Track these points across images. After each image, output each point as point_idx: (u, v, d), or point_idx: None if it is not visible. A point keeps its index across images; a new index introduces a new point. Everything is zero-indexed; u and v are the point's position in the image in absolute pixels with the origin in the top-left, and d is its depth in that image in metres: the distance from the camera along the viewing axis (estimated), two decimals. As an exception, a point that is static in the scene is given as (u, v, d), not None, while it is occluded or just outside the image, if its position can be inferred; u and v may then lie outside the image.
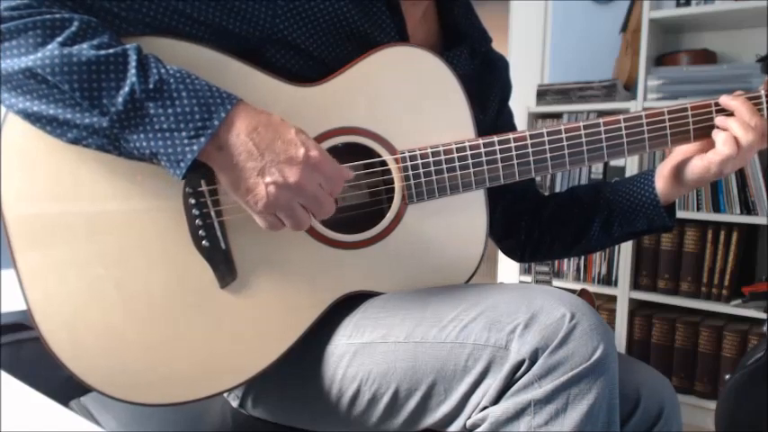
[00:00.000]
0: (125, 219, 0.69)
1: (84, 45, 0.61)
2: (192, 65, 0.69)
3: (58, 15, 0.61)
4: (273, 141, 0.63)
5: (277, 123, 0.64)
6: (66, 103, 0.61)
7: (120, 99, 0.60)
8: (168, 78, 0.62)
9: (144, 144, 0.61)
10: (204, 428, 0.88)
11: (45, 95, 0.61)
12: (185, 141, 0.61)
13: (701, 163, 0.82)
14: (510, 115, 1.03)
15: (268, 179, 0.62)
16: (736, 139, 0.79)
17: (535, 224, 1.01)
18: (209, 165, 0.64)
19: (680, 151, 0.86)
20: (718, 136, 0.80)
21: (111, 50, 0.61)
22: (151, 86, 0.61)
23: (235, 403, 0.86)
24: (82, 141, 0.63)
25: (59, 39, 0.60)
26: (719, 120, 0.81)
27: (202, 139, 0.61)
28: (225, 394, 0.87)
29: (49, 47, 0.60)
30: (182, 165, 0.61)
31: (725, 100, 0.81)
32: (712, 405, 1.77)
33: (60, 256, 0.68)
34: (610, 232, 0.95)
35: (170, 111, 0.61)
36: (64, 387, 0.78)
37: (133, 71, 0.61)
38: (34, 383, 0.71)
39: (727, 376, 1.55)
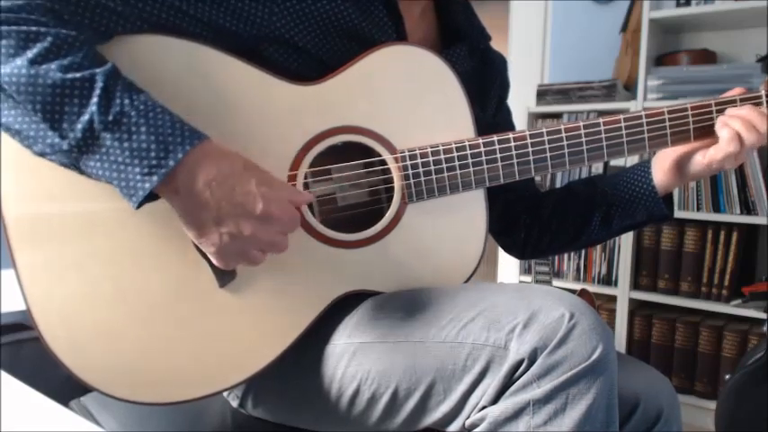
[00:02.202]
0: (124, 218, 0.69)
1: (53, 65, 0.59)
2: (191, 63, 0.69)
3: (33, 28, 0.60)
4: (231, 192, 0.61)
5: (238, 173, 0.62)
6: (31, 119, 0.60)
7: (78, 126, 0.59)
8: (129, 111, 0.60)
9: (99, 172, 0.61)
10: (204, 428, 0.88)
11: (14, 107, 0.61)
12: (137, 177, 0.60)
13: (704, 160, 0.82)
14: (508, 114, 1.03)
15: (223, 229, 0.62)
16: (740, 137, 0.78)
17: (535, 222, 1.01)
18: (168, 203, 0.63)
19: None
20: (722, 131, 0.79)
21: (78, 74, 0.60)
22: (110, 118, 0.60)
23: (235, 403, 0.86)
24: (47, 156, 0.62)
25: (30, 55, 0.59)
26: (724, 118, 0.80)
27: (155, 178, 0.60)
28: (225, 394, 0.87)
29: (18, 63, 0.59)
30: (134, 199, 0.61)
31: (733, 111, 0.81)
32: (712, 405, 1.77)
33: (59, 256, 0.68)
34: (609, 226, 0.94)
35: (125, 145, 0.60)
36: (64, 387, 0.78)
37: (95, 99, 0.59)
38: (34, 383, 0.71)
39: (727, 376, 1.55)
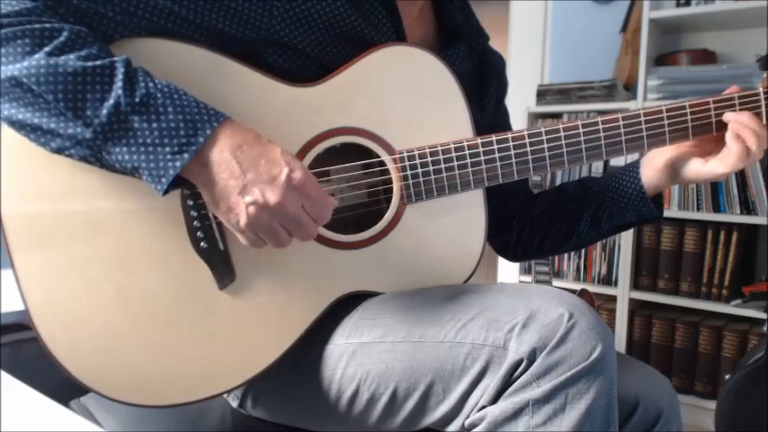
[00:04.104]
0: (123, 220, 0.69)
1: (72, 56, 0.60)
2: (189, 65, 0.69)
3: (47, 25, 0.61)
4: (257, 160, 0.62)
5: (263, 142, 0.63)
6: (50, 112, 0.61)
7: (104, 111, 0.60)
8: (155, 93, 0.61)
9: (126, 158, 0.61)
10: (204, 428, 0.88)
11: (30, 104, 0.61)
12: (168, 157, 0.61)
13: (706, 169, 0.82)
14: (506, 114, 1.03)
15: (248, 198, 0.61)
16: (749, 151, 0.79)
17: (526, 222, 1.01)
18: (191, 181, 0.64)
19: (676, 145, 0.86)
20: (734, 146, 0.79)
21: (98, 62, 0.61)
22: (137, 100, 0.60)
23: (234, 403, 0.86)
24: (65, 151, 0.62)
25: (47, 48, 0.60)
26: (732, 132, 0.80)
27: (186, 156, 0.60)
28: (224, 394, 0.87)
29: (36, 56, 0.60)
30: (163, 180, 0.61)
31: (730, 117, 0.81)
32: (712, 405, 1.77)
33: (58, 257, 0.68)
34: (599, 225, 0.95)
35: (155, 125, 0.61)
36: (64, 387, 0.78)
37: (119, 83, 0.60)
38: (34, 383, 0.71)
39: (728, 376, 1.55)
